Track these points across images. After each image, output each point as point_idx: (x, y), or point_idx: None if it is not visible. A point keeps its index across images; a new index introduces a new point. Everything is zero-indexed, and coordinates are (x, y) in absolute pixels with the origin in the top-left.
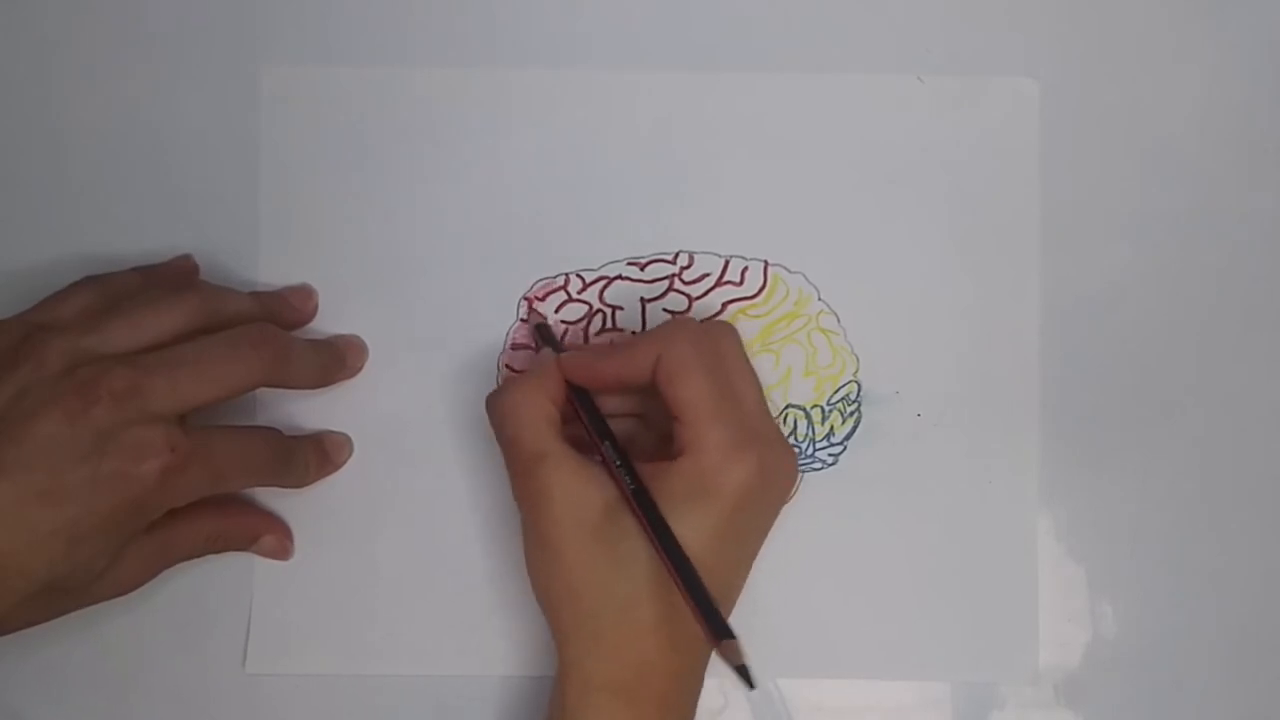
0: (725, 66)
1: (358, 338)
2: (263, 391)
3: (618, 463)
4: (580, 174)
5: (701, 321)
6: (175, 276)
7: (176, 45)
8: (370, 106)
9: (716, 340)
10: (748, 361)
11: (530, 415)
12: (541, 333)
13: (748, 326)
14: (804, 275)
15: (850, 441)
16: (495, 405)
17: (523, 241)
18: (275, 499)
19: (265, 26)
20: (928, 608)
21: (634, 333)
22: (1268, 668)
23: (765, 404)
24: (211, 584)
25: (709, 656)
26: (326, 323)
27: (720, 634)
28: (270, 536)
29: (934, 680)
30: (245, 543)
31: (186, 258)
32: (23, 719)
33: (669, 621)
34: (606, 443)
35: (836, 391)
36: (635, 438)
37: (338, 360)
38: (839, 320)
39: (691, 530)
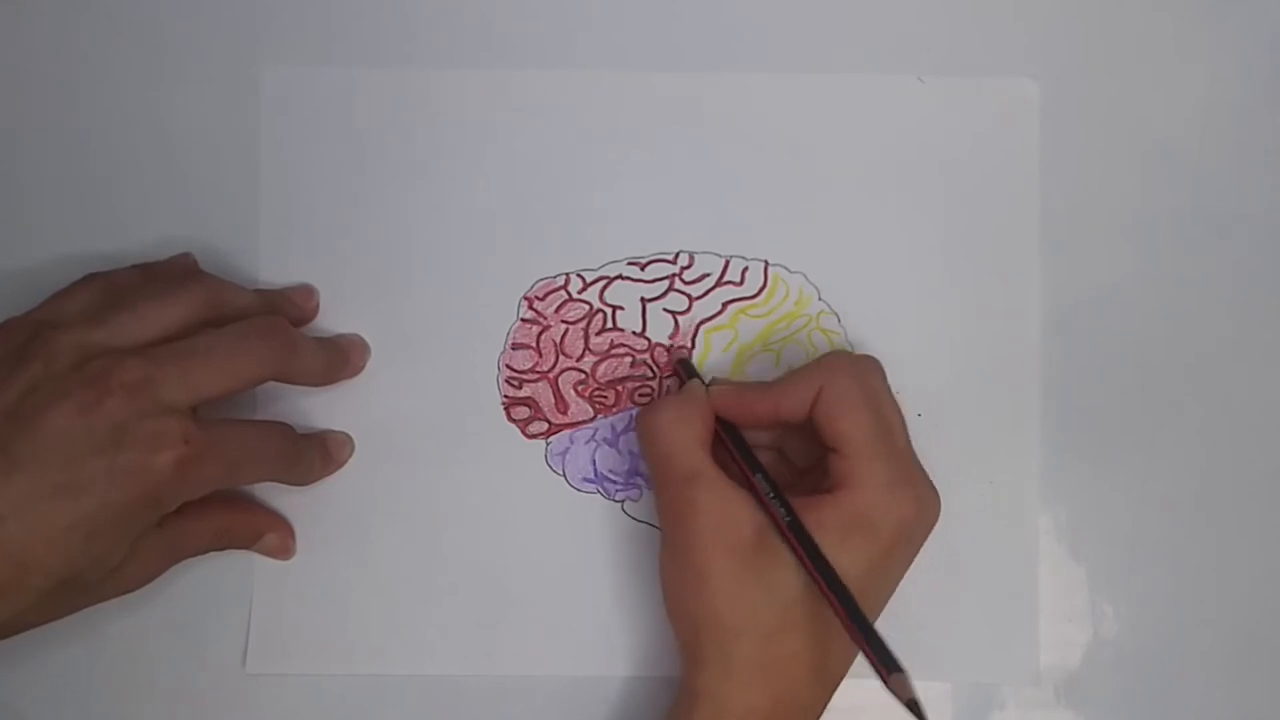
0: (725, 67)
1: (360, 337)
2: (262, 391)
3: (771, 494)
4: (580, 174)
5: (854, 356)
6: (177, 272)
7: (177, 45)
8: (370, 106)
9: (871, 376)
10: (894, 398)
11: (684, 434)
12: (684, 367)
13: (748, 326)
14: (804, 275)
15: None
16: (648, 422)
17: (523, 241)
18: (275, 499)
19: (266, 27)
20: (928, 608)
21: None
22: (1268, 668)
23: (911, 442)
24: (211, 584)
25: (834, 691)
26: (327, 322)
27: (891, 667)
28: (273, 535)
29: (934, 680)
30: (250, 540)
31: (187, 255)
32: (24, 719)
33: (811, 654)
34: (759, 475)
35: None
36: (773, 471)
37: (342, 357)
38: (839, 320)
39: (847, 564)
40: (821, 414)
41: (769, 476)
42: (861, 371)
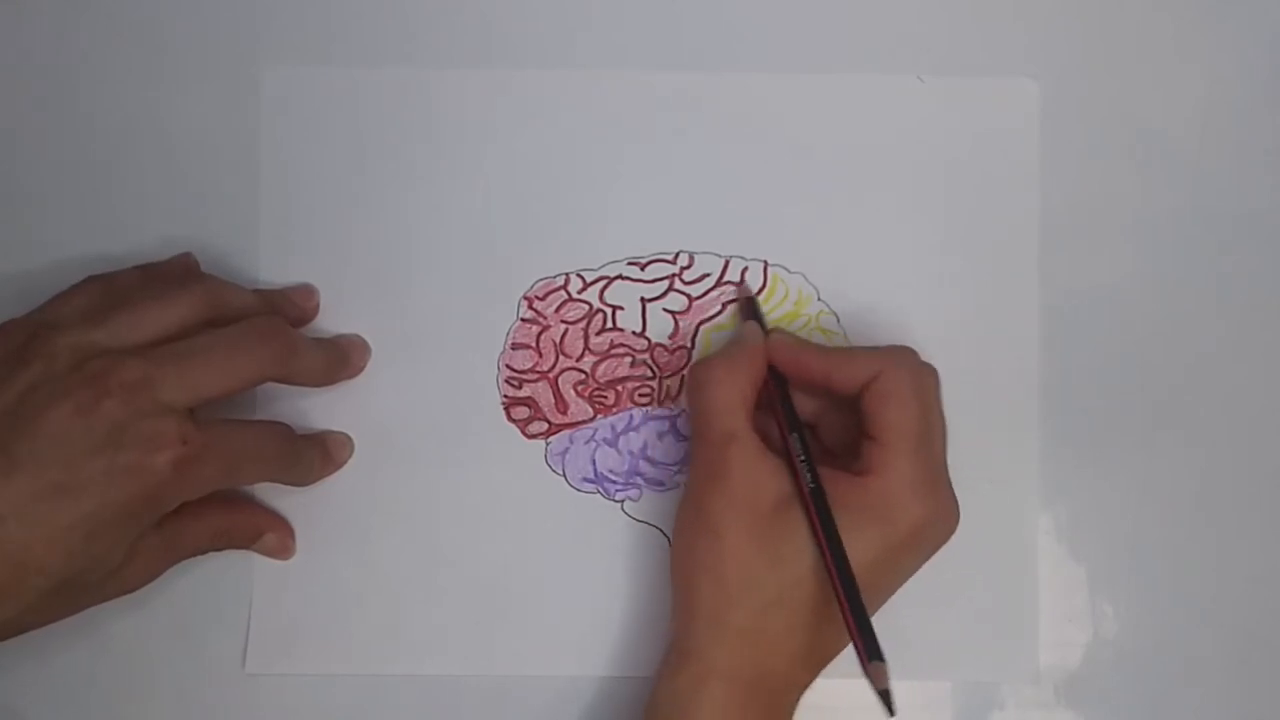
0: (725, 67)
1: (360, 337)
2: (262, 392)
3: (802, 457)
4: (580, 174)
5: (919, 358)
6: (177, 273)
7: (177, 45)
8: (370, 106)
9: (929, 380)
10: (944, 412)
11: (729, 392)
12: (748, 307)
13: None
14: (804, 275)
15: None
16: (699, 374)
17: (523, 241)
18: (275, 499)
19: (266, 27)
20: (928, 607)
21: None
22: (1268, 668)
23: (946, 457)
24: (211, 584)
25: (817, 674)
26: (327, 322)
27: (873, 655)
28: (273, 534)
29: (934, 680)
30: (249, 540)
31: (187, 255)
32: (24, 719)
33: (805, 631)
34: (795, 435)
35: None
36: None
37: (342, 358)
38: (839, 320)
39: (858, 548)
40: (872, 397)
41: (805, 440)
42: (922, 373)
